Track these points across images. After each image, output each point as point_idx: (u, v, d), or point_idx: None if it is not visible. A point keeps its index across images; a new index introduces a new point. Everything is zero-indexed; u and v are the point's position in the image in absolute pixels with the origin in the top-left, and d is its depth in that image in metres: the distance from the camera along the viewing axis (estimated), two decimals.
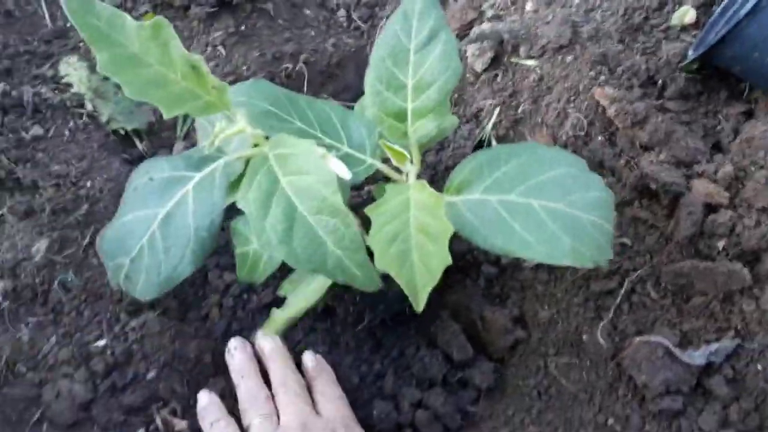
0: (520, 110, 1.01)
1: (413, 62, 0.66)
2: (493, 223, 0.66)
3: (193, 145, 1.03)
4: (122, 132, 0.98)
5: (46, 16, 1.02)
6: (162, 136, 1.02)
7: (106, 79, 0.99)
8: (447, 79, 0.64)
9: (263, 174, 0.57)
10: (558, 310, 0.92)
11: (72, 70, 0.96)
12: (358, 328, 0.97)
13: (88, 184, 0.94)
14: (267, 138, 0.62)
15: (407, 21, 0.66)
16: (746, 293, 0.81)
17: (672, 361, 0.81)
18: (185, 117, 1.02)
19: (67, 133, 0.96)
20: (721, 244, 0.82)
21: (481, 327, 0.98)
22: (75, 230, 0.91)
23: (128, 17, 0.55)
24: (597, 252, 0.67)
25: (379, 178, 0.80)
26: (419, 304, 0.64)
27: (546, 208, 0.67)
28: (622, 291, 0.87)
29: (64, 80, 0.96)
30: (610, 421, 0.82)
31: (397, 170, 0.75)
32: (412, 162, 0.69)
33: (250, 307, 0.98)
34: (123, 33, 0.55)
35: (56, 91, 0.97)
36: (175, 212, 0.60)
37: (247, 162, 0.63)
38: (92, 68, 0.99)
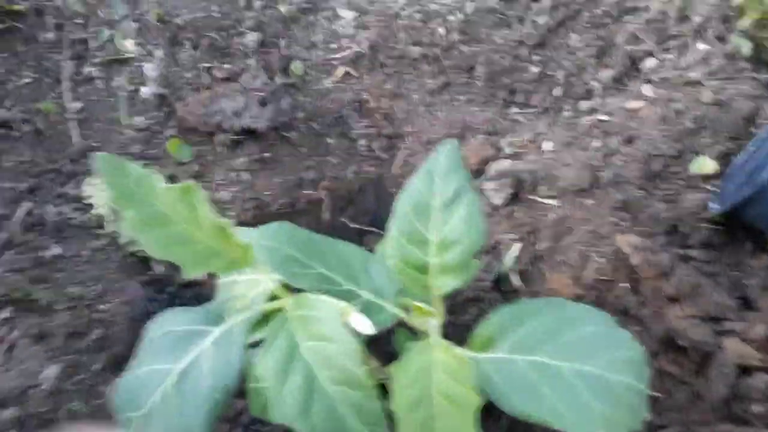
0: (539, 247, 1.00)
1: (437, 220, 0.66)
2: (521, 387, 0.63)
3: None
4: (140, 254, 0.97)
5: (74, 135, 1.05)
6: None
7: None
8: (472, 241, 0.63)
9: (283, 337, 0.56)
10: None
11: (95, 191, 0.97)
12: None
13: (102, 307, 0.92)
14: (287, 287, 0.61)
15: (431, 180, 0.67)
16: None
17: None
18: None
19: (85, 253, 0.96)
20: (757, 409, 0.78)
21: None
22: (86, 355, 0.89)
23: (158, 178, 0.55)
24: (631, 417, 0.63)
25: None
26: None
27: (576, 372, 0.64)
28: None
29: (86, 201, 0.97)
30: None
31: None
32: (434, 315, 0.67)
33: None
34: (151, 193, 0.55)
35: (79, 211, 0.98)
36: (192, 370, 0.58)
37: (266, 316, 0.61)
38: None
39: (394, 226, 0.68)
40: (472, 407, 0.58)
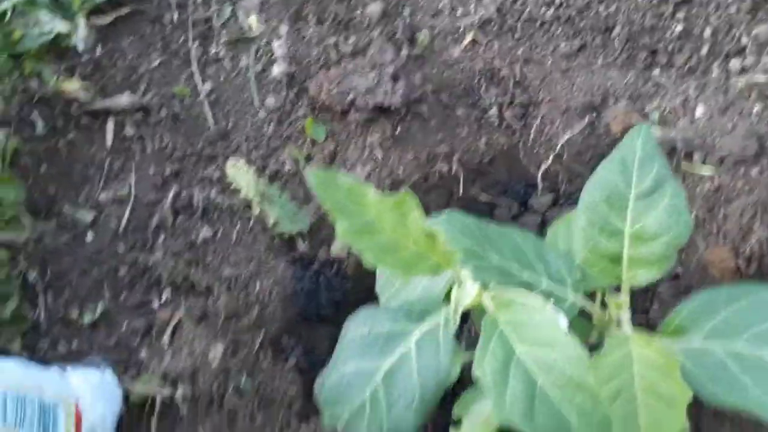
0: (692, 216, 0.96)
1: (632, 210, 0.64)
2: (720, 377, 0.62)
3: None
4: (287, 234, 0.99)
5: (209, 118, 1.06)
6: (321, 235, 1.03)
7: (271, 182, 1.01)
8: (677, 235, 0.61)
9: (496, 342, 0.56)
10: None
11: (239, 174, 0.98)
12: None
13: (257, 287, 0.95)
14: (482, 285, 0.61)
15: (626, 168, 0.64)
16: None
17: None
18: None
19: (234, 235, 0.99)
20: None
21: None
22: (247, 334, 0.93)
23: (369, 188, 0.55)
24: None
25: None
26: None
27: None
28: None
29: (232, 186, 0.98)
30: None
31: (602, 305, 0.72)
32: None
33: None
34: (363, 204, 0.55)
35: (223, 194, 1.00)
36: (398, 369, 0.59)
37: (466, 314, 0.61)
38: (258, 171, 1.01)
39: (584, 219, 0.66)
40: (682, 402, 0.58)
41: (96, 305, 0.93)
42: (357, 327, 0.61)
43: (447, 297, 0.63)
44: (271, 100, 1.06)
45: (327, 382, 0.61)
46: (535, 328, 0.54)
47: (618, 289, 0.68)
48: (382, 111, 1.03)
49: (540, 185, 1.11)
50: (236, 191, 1.00)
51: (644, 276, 0.64)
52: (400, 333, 0.60)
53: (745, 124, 0.91)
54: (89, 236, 0.97)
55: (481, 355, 0.56)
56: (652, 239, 0.62)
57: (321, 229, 1.03)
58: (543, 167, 1.09)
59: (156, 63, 1.08)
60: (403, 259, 0.56)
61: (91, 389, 0.81)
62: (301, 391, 0.93)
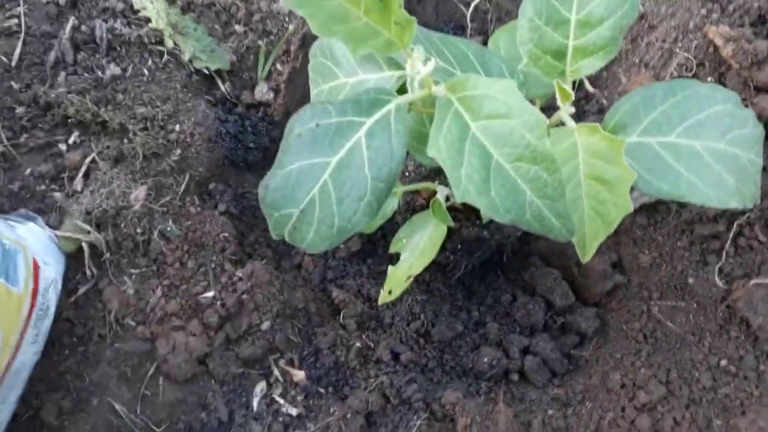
0: None
1: None
2: (656, 167, 0.65)
3: (277, 86, 0.97)
4: (205, 71, 0.91)
5: None
6: (243, 77, 0.96)
7: (183, 13, 0.92)
8: (624, 14, 0.61)
9: (451, 120, 0.54)
10: (660, 254, 0.92)
11: (147, 2, 0.88)
12: (454, 278, 0.96)
13: (177, 127, 0.88)
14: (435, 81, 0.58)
15: None
16: None
17: None
18: (266, 57, 0.96)
19: (146, 72, 0.90)
20: None
21: (577, 273, 0.97)
22: (169, 177, 0.86)
23: None
24: (755, 190, 0.66)
25: None
26: (586, 255, 0.63)
27: (708, 149, 0.65)
28: (731, 234, 0.87)
29: (140, 14, 0.88)
30: (723, 362, 0.83)
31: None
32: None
33: (340, 255, 0.96)
34: None
35: (131, 27, 0.90)
36: (348, 161, 0.56)
37: (412, 103, 0.59)
38: (169, 1, 0.91)
39: (530, 8, 0.64)
40: (626, 184, 0.59)
41: None
42: (302, 123, 0.57)
43: (399, 91, 0.60)
44: None
45: (271, 183, 0.57)
46: (491, 101, 0.53)
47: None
48: None
49: (469, 26, 1.08)
50: (144, 23, 0.90)
51: (588, 66, 0.64)
52: (349, 124, 0.57)
53: None
54: None
55: (435, 135, 0.54)
56: (599, 23, 0.62)
57: (242, 71, 0.96)
58: (472, 5, 1.06)
59: None
60: (354, 30, 0.51)
61: (39, 243, 0.74)
62: (233, 235, 0.89)
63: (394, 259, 0.85)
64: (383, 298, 0.78)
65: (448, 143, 0.53)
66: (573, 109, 0.65)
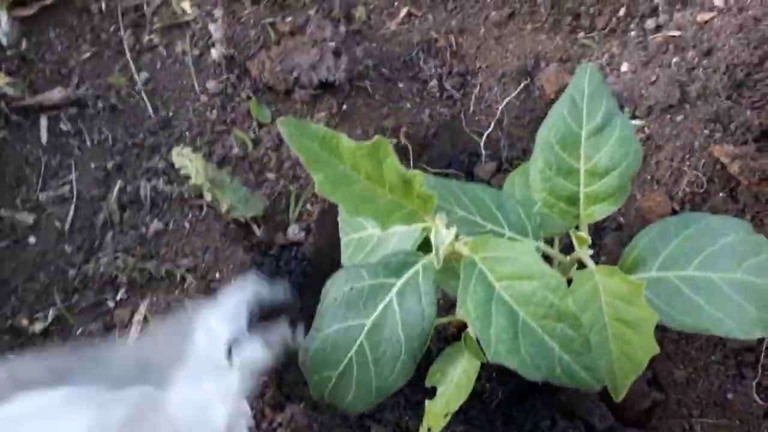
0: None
1: (585, 147, 0.67)
2: (677, 301, 0.67)
3: (307, 226, 1.03)
4: (242, 220, 0.98)
5: (149, 107, 1.03)
6: (276, 219, 1.02)
7: (220, 168, 0.99)
8: (629, 165, 0.65)
9: (476, 281, 0.57)
10: (695, 368, 0.92)
11: (187, 161, 0.96)
12: (492, 405, 0.96)
13: (217, 276, 0.93)
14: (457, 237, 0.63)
15: (576, 106, 0.67)
16: None
17: None
18: (297, 200, 1.02)
19: (187, 225, 0.96)
20: None
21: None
22: None
23: (343, 137, 0.55)
24: None
25: None
26: (618, 396, 0.64)
27: (726, 280, 0.68)
28: (764, 347, 0.87)
29: (181, 172, 0.96)
30: None
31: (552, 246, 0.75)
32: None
33: None
34: (336, 152, 0.55)
35: (171, 184, 0.97)
36: (382, 322, 0.60)
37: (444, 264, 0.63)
38: (206, 157, 0.99)
39: (539, 160, 0.69)
40: (649, 326, 0.61)
41: (47, 311, 0.89)
42: (337, 287, 0.62)
43: (421, 248, 0.65)
44: (212, 84, 1.04)
45: (311, 347, 0.61)
46: (512, 262, 0.57)
47: (576, 228, 0.71)
48: (326, 87, 1.03)
49: (483, 153, 1.14)
50: (184, 180, 0.98)
51: (600, 211, 0.68)
52: (380, 287, 0.61)
53: (666, 75, 0.97)
54: (32, 239, 0.92)
55: (463, 295, 0.57)
56: (605, 173, 0.66)
57: (275, 214, 1.02)
58: (485, 135, 1.12)
59: (87, 54, 1.04)
60: (380, 208, 0.56)
61: None
62: (272, 378, 0.92)
63: (430, 389, 0.86)
64: None
65: (475, 303, 0.57)
66: (591, 251, 0.68)
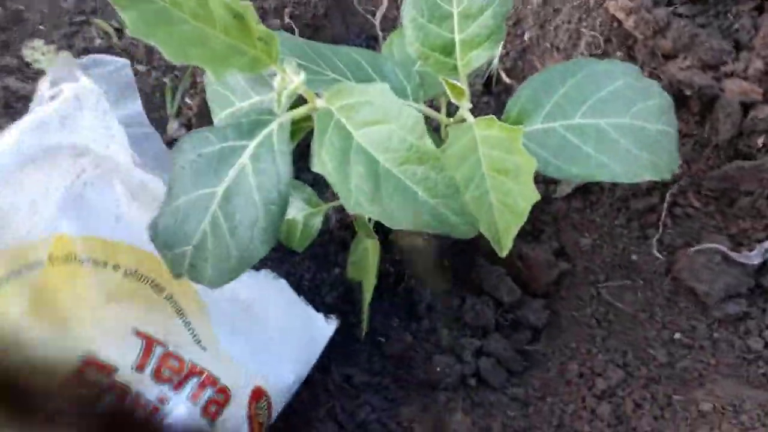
0: (526, 37, 0.97)
1: None
2: (564, 151, 0.63)
3: (188, 121, 0.95)
4: None
5: None
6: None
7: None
8: (501, 2, 0.59)
9: (332, 131, 0.51)
10: (600, 234, 0.90)
11: (39, 54, 0.85)
12: (399, 287, 0.93)
13: None
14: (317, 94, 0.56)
15: None
16: None
17: (729, 266, 0.81)
18: (173, 92, 0.93)
19: None
20: (761, 140, 0.81)
21: (521, 266, 0.95)
22: None
23: None
24: (670, 160, 0.65)
25: None
26: (503, 249, 0.61)
27: (614, 126, 0.64)
28: (665, 205, 0.86)
29: (33, 66, 0.85)
30: (677, 335, 0.82)
31: (438, 111, 0.70)
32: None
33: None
34: None
35: (28, 82, 0.86)
36: (236, 188, 0.53)
37: (298, 122, 0.56)
38: (62, 49, 0.88)
39: (410, 7, 0.62)
40: (528, 172, 0.57)
41: None
42: (184, 155, 0.55)
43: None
44: None
45: (160, 223, 0.54)
46: (371, 108, 0.51)
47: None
48: None
49: (380, 35, 1.07)
50: (39, 75, 0.87)
51: (477, 57, 0.62)
52: (232, 150, 0.54)
53: None
54: None
55: (318, 149, 0.52)
56: (480, 12, 0.60)
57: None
58: (380, 14, 1.04)
59: None
60: (214, 52, 0.49)
61: None
62: None
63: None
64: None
65: (332, 156, 0.51)
66: (470, 105, 0.63)
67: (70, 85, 0.56)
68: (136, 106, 0.70)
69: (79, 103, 0.56)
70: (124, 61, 0.68)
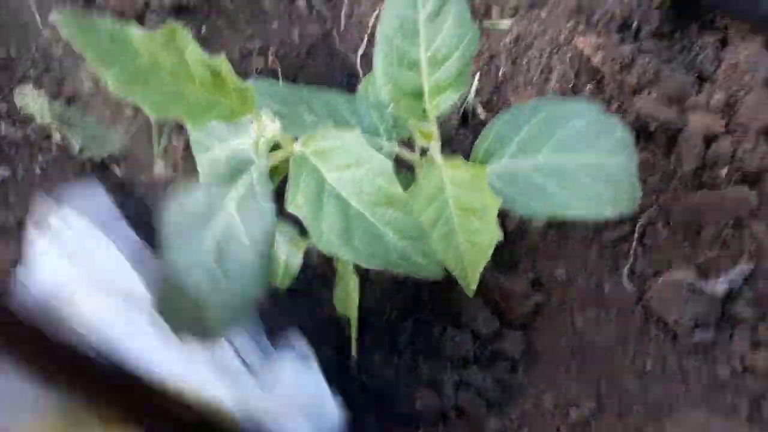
0: (500, 73, 1.01)
1: (424, 35, 0.64)
2: (529, 189, 0.66)
3: (174, 161, 0.97)
4: (97, 159, 0.91)
5: None
6: (138, 157, 0.96)
7: (68, 104, 0.92)
8: (466, 49, 0.62)
9: (307, 175, 0.54)
10: (574, 265, 0.93)
11: (29, 100, 0.88)
12: (382, 320, 0.95)
13: None
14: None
15: None
16: (754, 215, 0.84)
17: (697, 295, 0.83)
18: (160, 133, 0.96)
19: (37, 170, 0.89)
20: (723, 171, 0.84)
21: (498, 297, 0.98)
22: None
23: (132, 28, 0.50)
24: (632, 193, 0.68)
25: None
26: (470, 286, 0.63)
27: (576, 163, 0.67)
28: (636, 235, 0.89)
29: (22, 112, 0.88)
30: (648, 365, 0.84)
31: (413, 151, 0.73)
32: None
33: None
34: (129, 45, 0.50)
35: (16, 127, 0.89)
36: (227, 238, 0.56)
37: (276, 167, 0.59)
38: (53, 95, 0.91)
39: (380, 55, 0.65)
40: (492, 211, 0.60)
41: None
42: (171, 216, 0.57)
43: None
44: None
45: (161, 293, 0.56)
46: (344, 153, 0.54)
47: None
48: (181, 10, 0.96)
49: (361, 72, 1.10)
50: (29, 120, 0.90)
51: (445, 101, 0.65)
52: (217, 202, 0.56)
53: None
54: None
55: (294, 191, 0.54)
56: (446, 58, 0.63)
57: (137, 152, 0.96)
58: (360, 52, 1.08)
59: None
60: (191, 106, 0.52)
61: None
62: None
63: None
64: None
65: (306, 198, 0.54)
66: (439, 145, 0.66)
67: None
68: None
69: None
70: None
